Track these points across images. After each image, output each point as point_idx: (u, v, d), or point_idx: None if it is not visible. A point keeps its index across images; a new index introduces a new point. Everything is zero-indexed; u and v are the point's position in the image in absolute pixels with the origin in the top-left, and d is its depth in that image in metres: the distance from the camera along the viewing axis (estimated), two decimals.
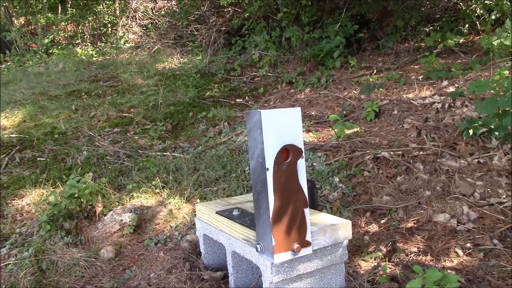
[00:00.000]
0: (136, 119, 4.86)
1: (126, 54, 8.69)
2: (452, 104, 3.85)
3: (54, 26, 10.51)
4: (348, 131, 3.84)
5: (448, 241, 2.23)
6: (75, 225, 2.79)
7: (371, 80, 5.21)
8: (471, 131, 3.13)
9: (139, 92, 5.96)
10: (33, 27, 10.62)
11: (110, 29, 10.54)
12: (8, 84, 6.93)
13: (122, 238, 2.66)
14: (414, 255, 2.14)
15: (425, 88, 4.50)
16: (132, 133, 4.60)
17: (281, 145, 1.59)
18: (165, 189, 3.21)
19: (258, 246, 1.66)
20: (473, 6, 6.34)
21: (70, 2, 10.79)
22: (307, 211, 1.66)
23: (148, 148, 4.16)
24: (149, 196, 3.17)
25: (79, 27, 10.71)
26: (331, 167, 3.28)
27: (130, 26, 10.00)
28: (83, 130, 4.62)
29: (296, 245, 1.63)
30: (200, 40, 8.19)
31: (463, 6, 6.66)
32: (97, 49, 9.53)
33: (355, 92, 4.94)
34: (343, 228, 1.80)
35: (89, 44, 10.11)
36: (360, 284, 1.90)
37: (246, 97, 5.65)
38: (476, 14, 6.21)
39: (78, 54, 9.09)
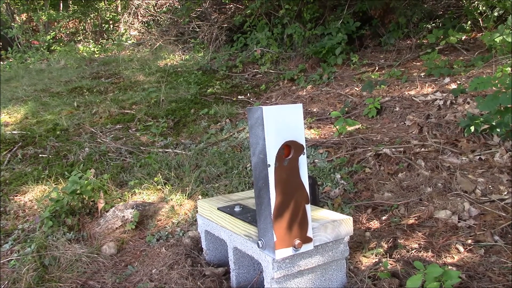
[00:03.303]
0: (138, 116, 4.87)
1: (127, 51, 8.69)
2: (454, 101, 3.85)
3: (55, 23, 10.51)
4: (349, 128, 3.84)
5: (449, 237, 2.23)
6: (77, 221, 2.80)
7: (373, 77, 5.20)
8: (472, 128, 3.13)
9: (141, 89, 5.97)
10: (34, 24, 10.62)
11: (111, 26, 10.54)
12: (10, 81, 6.95)
13: (124, 234, 2.67)
14: (415, 251, 2.14)
15: (427, 85, 4.49)
16: (134, 129, 4.60)
17: (282, 142, 1.60)
18: (167, 186, 3.22)
19: (259, 242, 1.67)
20: (475, 3, 6.33)
21: None
22: (308, 207, 1.66)
23: (150, 145, 4.17)
24: (151, 193, 3.18)
25: (81, 24, 10.72)
26: (332, 163, 3.28)
27: (132, 23, 9.99)
28: (85, 126, 4.63)
29: (297, 241, 1.63)
30: (201, 37, 8.18)
31: (465, 3, 6.64)
32: (99, 46, 9.53)
33: (357, 89, 4.94)
34: (345, 224, 1.81)
35: (91, 41, 10.11)
36: (361, 280, 1.90)
37: (248, 94, 5.65)
38: (479, 11, 6.19)
39: (80, 51, 9.10)
